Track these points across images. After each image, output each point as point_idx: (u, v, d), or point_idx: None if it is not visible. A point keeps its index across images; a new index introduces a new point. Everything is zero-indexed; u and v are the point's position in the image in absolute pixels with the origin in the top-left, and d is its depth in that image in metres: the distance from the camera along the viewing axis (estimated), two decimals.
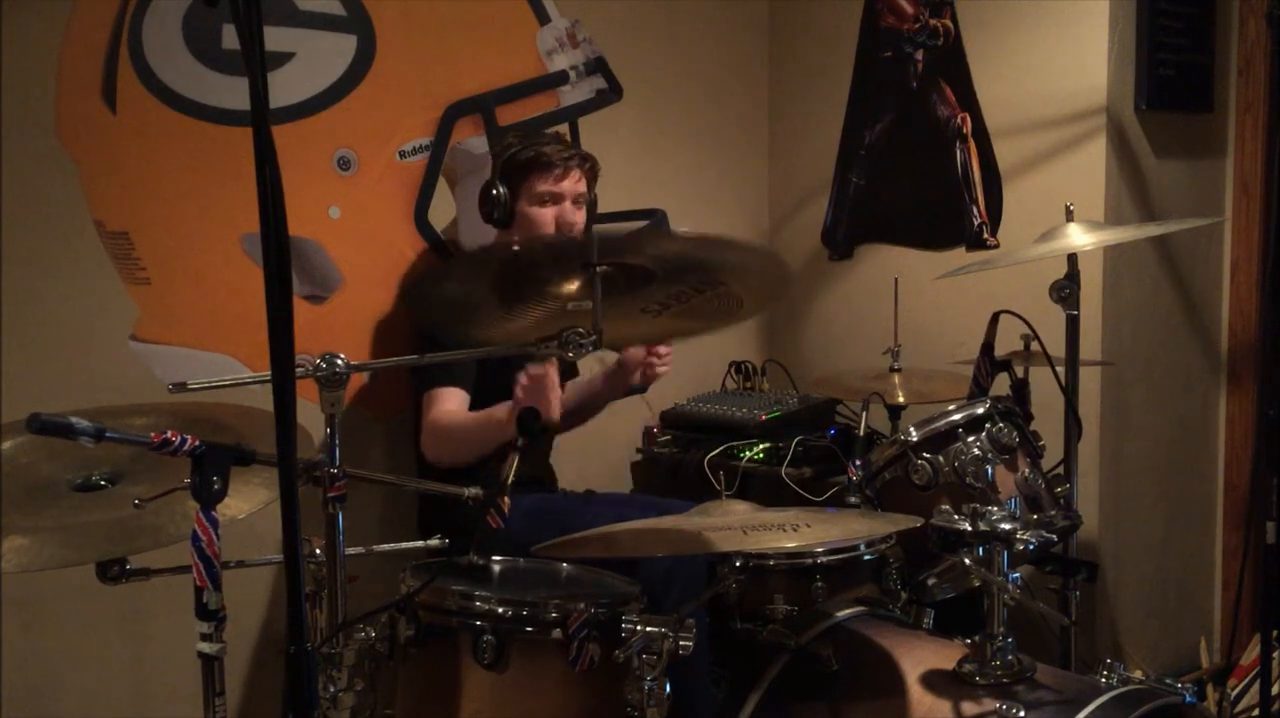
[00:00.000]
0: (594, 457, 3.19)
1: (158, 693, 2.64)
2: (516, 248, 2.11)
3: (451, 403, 2.57)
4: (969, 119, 3.28)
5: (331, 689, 1.76)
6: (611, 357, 2.79)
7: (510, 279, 1.87)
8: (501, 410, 2.43)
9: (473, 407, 2.60)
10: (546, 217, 2.67)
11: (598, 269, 1.73)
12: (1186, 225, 3.07)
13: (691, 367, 3.52)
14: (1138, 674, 2.57)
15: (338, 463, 1.70)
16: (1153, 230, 2.99)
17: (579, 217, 2.70)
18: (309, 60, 2.75)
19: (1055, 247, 2.53)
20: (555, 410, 2.30)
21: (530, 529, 2.15)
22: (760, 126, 3.78)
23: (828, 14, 3.60)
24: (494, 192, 2.66)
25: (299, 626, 1.29)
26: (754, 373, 3.54)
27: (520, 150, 2.67)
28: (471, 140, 2.96)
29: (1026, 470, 2.26)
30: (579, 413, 2.85)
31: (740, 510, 1.95)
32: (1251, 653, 3.11)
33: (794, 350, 3.73)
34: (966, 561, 1.93)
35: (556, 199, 2.67)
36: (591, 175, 2.75)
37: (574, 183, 2.68)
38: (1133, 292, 3.18)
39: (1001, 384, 2.58)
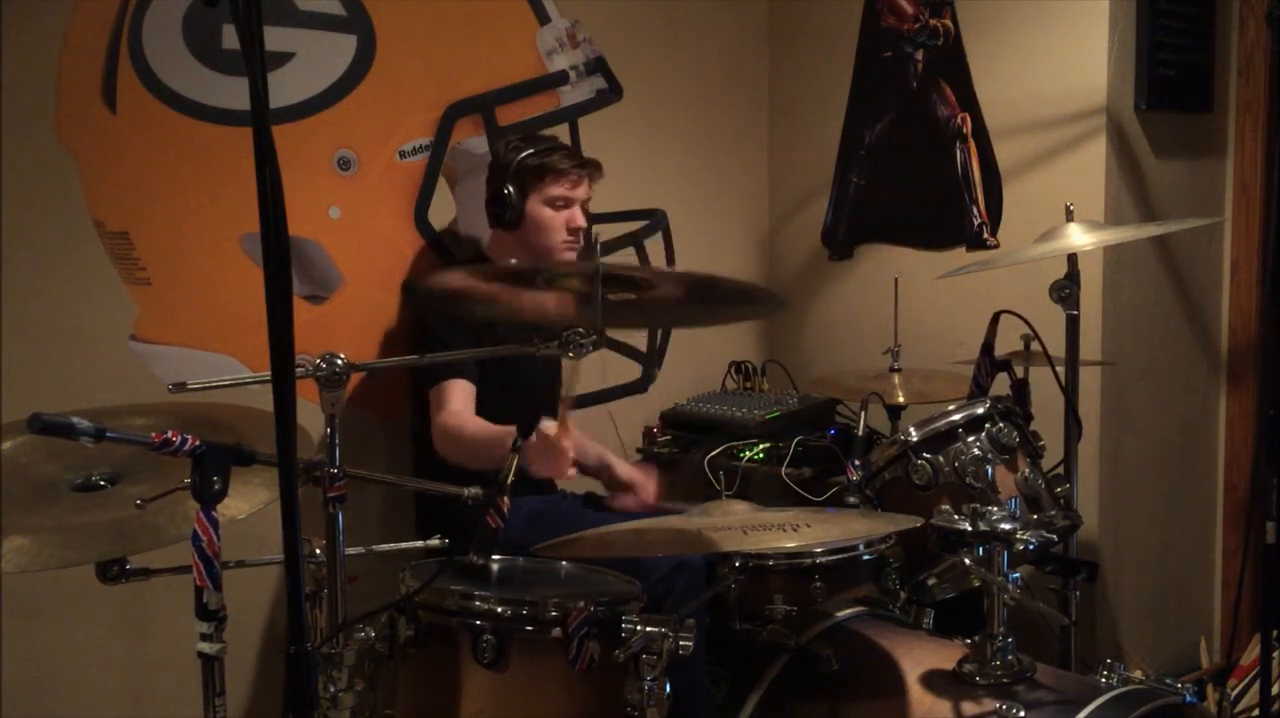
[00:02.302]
0: None
1: (158, 693, 2.64)
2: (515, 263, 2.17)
3: (459, 398, 2.58)
4: (969, 119, 3.28)
5: (331, 689, 1.76)
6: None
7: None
8: (506, 435, 2.44)
9: (478, 399, 2.61)
10: (558, 220, 2.72)
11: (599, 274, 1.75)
12: (1186, 225, 3.07)
13: (691, 367, 3.52)
14: (1138, 674, 2.57)
15: (338, 463, 1.71)
16: (1153, 230, 2.99)
17: (585, 222, 2.76)
18: (309, 60, 2.75)
19: (1055, 247, 2.52)
20: (567, 473, 2.32)
21: (530, 532, 2.16)
22: (760, 127, 3.78)
23: (828, 14, 3.60)
24: (505, 191, 2.68)
25: (299, 626, 1.29)
26: (754, 373, 3.54)
27: (531, 155, 2.69)
28: (471, 140, 2.97)
29: (1026, 470, 2.26)
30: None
31: (740, 510, 1.95)
32: (1251, 653, 3.11)
33: (794, 350, 3.73)
34: (966, 561, 1.93)
35: (568, 204, 2.72)
36: (595, 181, 2.79)
37: (585, 190, 2.75)
38: (1133, 292, 3.18)
39: (1001, 384, 2.58)
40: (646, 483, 2.76)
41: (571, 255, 2.76)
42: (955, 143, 3.31)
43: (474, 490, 1.94)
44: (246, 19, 1.17)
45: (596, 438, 2.84)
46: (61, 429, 1.48)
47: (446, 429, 2.55)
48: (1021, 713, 1.78)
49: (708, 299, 1.97)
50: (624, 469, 2.79)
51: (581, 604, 1.88)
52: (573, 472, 2.33)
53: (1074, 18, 3.07)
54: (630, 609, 1.89)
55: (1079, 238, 2.52)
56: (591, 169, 2.76)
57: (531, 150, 2.71)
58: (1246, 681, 3.13)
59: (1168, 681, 2.12)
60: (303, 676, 1.28)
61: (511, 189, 2.69)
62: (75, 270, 2.54)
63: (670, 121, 3.50)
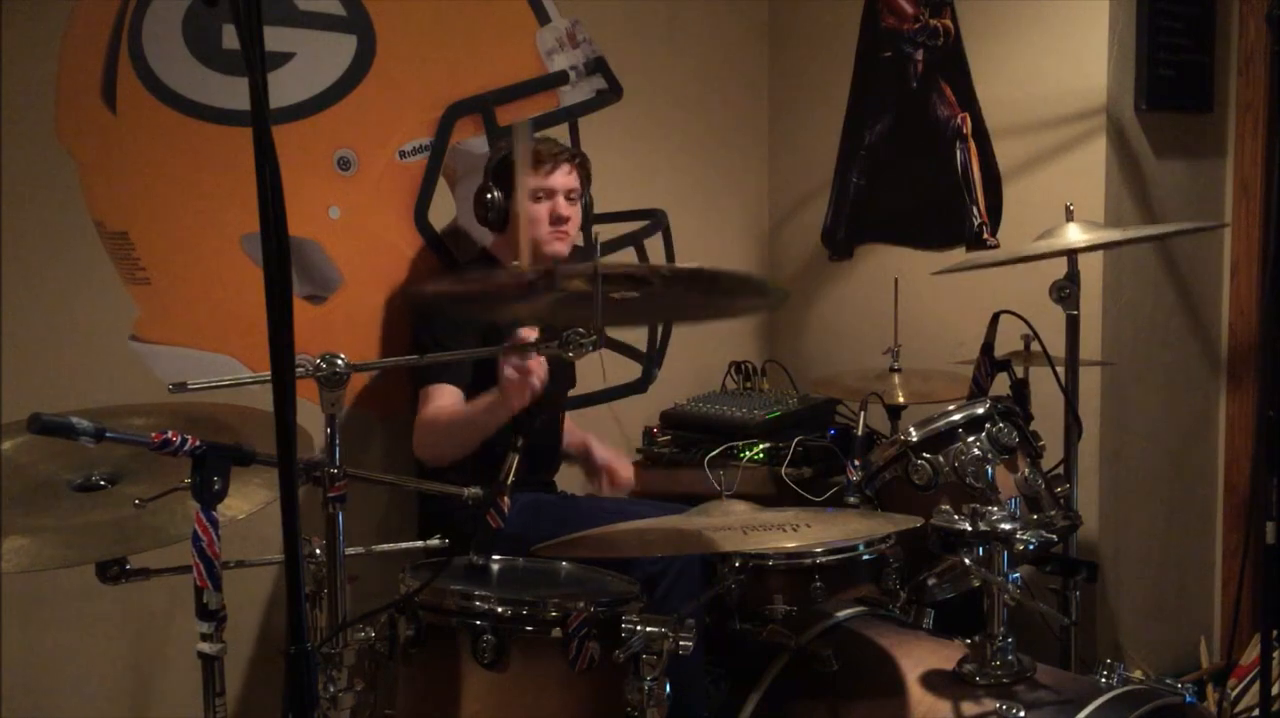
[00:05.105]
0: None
1: (158, 693, 2.64)
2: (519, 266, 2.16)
3: (444, 400, 2.57)
4: (969, 119, 3.28)
5: (331, 689, 1.75)
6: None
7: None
8: (484, 399, 2.44)
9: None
10: (540, 213, 2.66)
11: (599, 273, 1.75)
12: (1186, 228, 3.06)
13: (691, 367, 3.52)
14: (1138, 674, 2.57)
15: (338, 463, 1.71)
16: (1152, 231, 2.99)
17: (573, 212, 2.70)
18: (309, 60, 2.75)
19: (1053, 243, 2.52)
20: (526, 395, 2.33)
21: (528, 527, 2.16)
22: (760, 127, 3.78)
23: (828, 14, 3.60)
24: (488, 195, 2.67)
25: (299, 626, 1.29)
26: (754, 373, 3.54)
27: (510, 151, 2.68)
28: (471, 140, 2.97)
29: (1026, 470, 2.26)
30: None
31: (740, 510, 1.95)
32: (1251, 653, 3.11)
33: (794, 350, 3.73)
34: (966, 561, 1.93)
35: (549, 194, 2.66)
36: (583, 172, 2.74)
37: (564, 177, 2.68)
38: (1133, 292, 3.18)
39: (1001, 384, 2.58)
40: (620, 467, 2.81)
41: (560, 247, 2.69)
42: (955, 143, 3.31)
43: (474, 490, 1.94)
44: (246, 19, 1.17)
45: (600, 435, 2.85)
46: (61, 429, 1.48)
47: (425, 422, 2.54)
48: (1021, 713, 1.78)
49: (709, 291, 1.96)
50: (600, 452, 2.84)
51: (581, 604, 1.88)
52: (539, 390, 2.33)
53: (1074, 18, 3.07)
54: (630, 609, 1.89)
55: (1076, 235, 2.52)
56: (568, 156, 2.69)
57: (509, 149, 2.69)
58: (1246, 681, 3.12)
59: (1168, 681, 2.12)
60: (303, 676, 1.28)
61: (494, 190, 2.68)
62: (75, 270, 2.54)
63: (670, 121, 3.50)
